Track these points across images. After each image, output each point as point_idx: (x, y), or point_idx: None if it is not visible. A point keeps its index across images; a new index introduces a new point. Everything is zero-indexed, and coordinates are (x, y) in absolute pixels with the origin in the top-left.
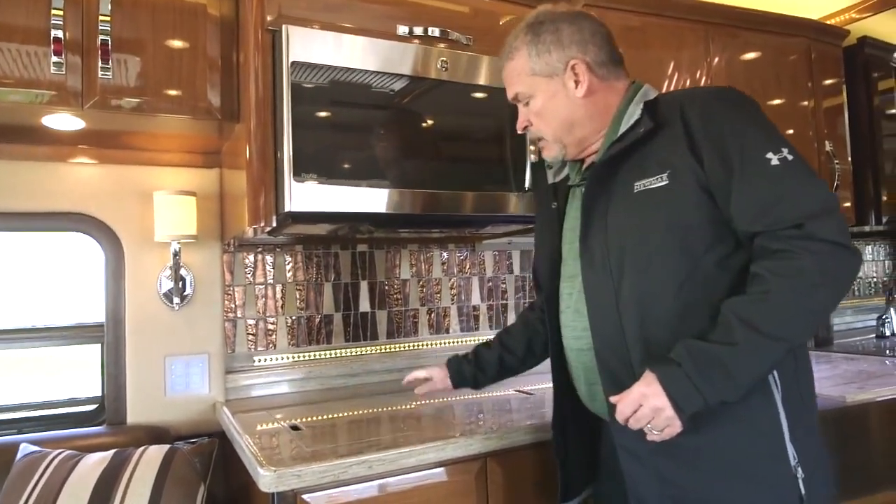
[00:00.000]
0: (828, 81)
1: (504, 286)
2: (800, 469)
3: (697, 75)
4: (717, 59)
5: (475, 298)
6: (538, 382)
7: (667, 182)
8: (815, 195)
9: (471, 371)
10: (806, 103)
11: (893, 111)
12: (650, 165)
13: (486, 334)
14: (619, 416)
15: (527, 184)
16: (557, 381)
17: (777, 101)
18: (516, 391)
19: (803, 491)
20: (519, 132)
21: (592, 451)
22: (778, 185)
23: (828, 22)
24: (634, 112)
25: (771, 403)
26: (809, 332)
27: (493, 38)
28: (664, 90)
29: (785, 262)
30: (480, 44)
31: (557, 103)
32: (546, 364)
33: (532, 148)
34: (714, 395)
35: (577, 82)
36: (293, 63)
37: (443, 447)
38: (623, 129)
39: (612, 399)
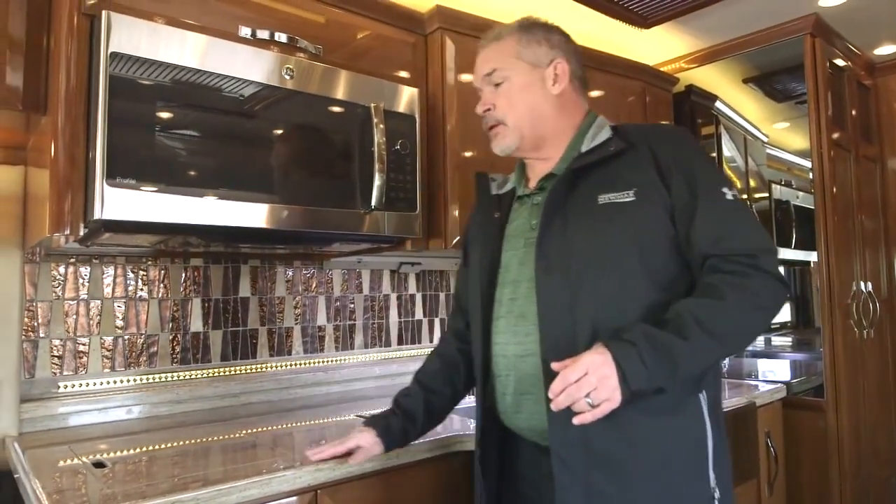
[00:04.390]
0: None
1: (352, 306)
2: (717, 491)
3: None
4: None
5: (321, 318)
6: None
7: (633, 198)
8: (763, 234)
9: (399, 424)
10: None
11: (713, 155)
12: (617, 181)
13: (332, 355)
14: (562, 380)
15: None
16: (483, 395)
17: None
18: (357, 416)
19: None
20: (478, 112)
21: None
22: (734, 217)
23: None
24: (601, 132)
25: (702, 426)
26: (744, 345)
27: (348, 51)
28: None
29: (739, 280)
30: (332, 55)
31: (531, 93)
32: (386, 389)
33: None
34: (656, 380)
35: (555, 80)
36: (113, 54)
37: (268, 481)
38: (591, 145)
39: (556, 366)
